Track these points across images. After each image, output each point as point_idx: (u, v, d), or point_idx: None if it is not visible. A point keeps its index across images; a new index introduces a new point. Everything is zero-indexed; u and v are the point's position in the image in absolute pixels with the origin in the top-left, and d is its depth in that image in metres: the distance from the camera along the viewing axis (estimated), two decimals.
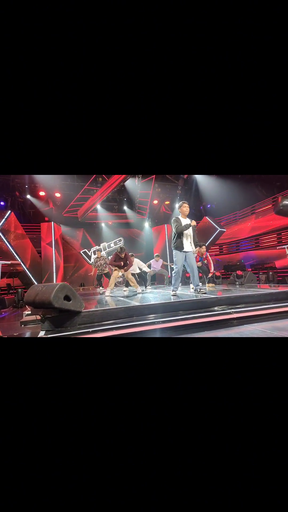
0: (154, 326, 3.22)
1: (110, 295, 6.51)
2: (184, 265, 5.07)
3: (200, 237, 12.00)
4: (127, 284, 7.44)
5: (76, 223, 14.10)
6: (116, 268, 6.38)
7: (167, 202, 15.81)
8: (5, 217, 10.09)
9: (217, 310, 3.71)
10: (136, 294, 6.16)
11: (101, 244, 14.46)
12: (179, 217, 5.00)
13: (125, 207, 15.06)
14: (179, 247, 4.89)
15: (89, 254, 14.27)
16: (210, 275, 7.38)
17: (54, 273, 11.33)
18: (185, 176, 14.73)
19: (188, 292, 5.55)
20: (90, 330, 3.03)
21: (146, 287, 8.29)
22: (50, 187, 13.11)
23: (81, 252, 14.14)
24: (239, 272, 7.92)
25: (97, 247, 14.32)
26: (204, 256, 7.26)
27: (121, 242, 14.34)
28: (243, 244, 12.81)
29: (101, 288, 9.09)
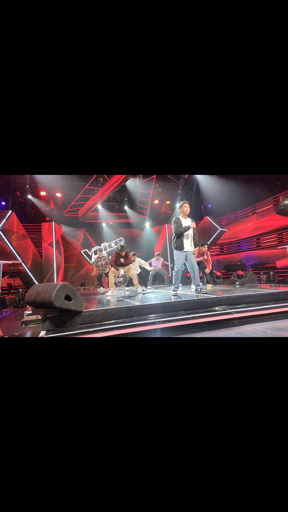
0: (154, 326, 3.22)
1: (112, 295, 6.51)
2: (185, 265, 5.07)
3: (201, 237, 11.96)
4: (128, 284, 7.45)
5: (77, 223, 14.11)
6: (116, 266, 6.39)
7: (168, 202, 15.79)
8: (6, 217, 10.12)
9: (218, 310, 3.71)
10: (136, 294, 6.16)
11: (102, 244, 14.47)
12: (180, 217, 5.00)
13: (126, 207, 15.06)
14: (180, 247, 4.89)
15: (90, 254, 14.28)
16: (207, 271, 7.33)
17: (55, 273, 11.35)
18: (186, 176, 14.73)
19: (189, 292, 5.54)
20: (91, 329, 3.04)
21: (146, 286, 8.30)
22: (51, 187, 13.12)
23: (81, 252, 14.15)
24: (240, 272, 7.91)
25: (98, 247, 14.33)
26: (205, 255, 7.25)
27: (122, 242, 14.35)
28: (244, 244, 12.79)
29: (101, 288, 9.09)
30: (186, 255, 4.95)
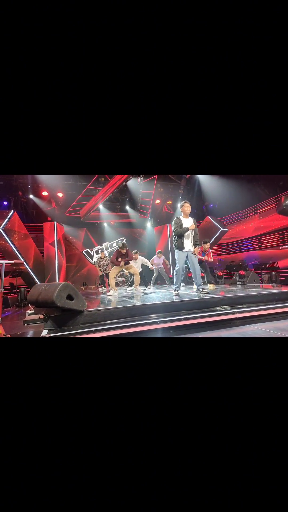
0: (156, 326, 3.22)
1: (113, 294, 6.51)
2: (187, 265, 5.07)
3: (203, 237, 11.89)
4: (131, 284, 7.46)
5: (78, 223, 14.14)
6: (117, 262, 6.37)
7: (169, 202, 15.78)
8: (8, 217, 10.15)
9: (219, 310, 3.71)
10: (137, 294, 6.16)
11: (103, 244, 14.49)
12: (181, 217, 5.00)
13: (127, 207, 15.07)
14: (180, 247, 4.90)
15: (91, 254, 14.29)
16: (207, 259, 7.21)
17: (57, 273, 11.36)
18: (188, 175, 14.71)
19: (190, 292, 5.54)
20: (93, 329, 3.04)
21: (146, 286, 8.31)
22: (52, 187, 13.14)
23: (83, 251, 14.17)
24: (241, 272, 7.91)
25: (100, 247, 14.35)
26: (207, 252, 7.21)
27: (123, 241, 14.36)
28: (245, 244, 12.77)
29: (103, 287, 9.11)
30: (187, 255, 4.95)
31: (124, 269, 6.69)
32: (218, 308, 3.81)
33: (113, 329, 3.07)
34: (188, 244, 4.94)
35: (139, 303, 4.09)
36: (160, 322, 3.29)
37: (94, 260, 13.87)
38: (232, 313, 3.61)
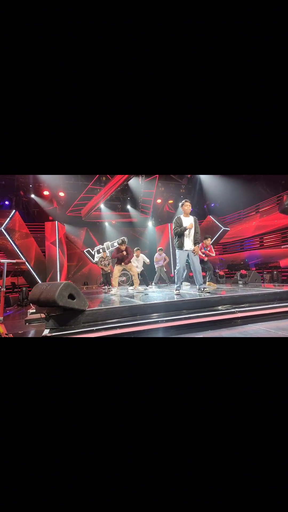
0: (157, 325, 3.22)
1: (115, 293, 6.50)
2: (189, 264, 5.07)
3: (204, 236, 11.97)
4: (132, 283, 7.45)
5: (79, 222, 14.15)
6: (116, 256, 6.31)
7: (170, 201, 15.78)
8: (10, 216, 10.15)
9: (221, 310, 3.71)
10: (139, 293, 6.16)
11: (105, 243, 14.50)
12: (181, 216, 4.99)
13: (128, 206, 15.07)
14: (180, 246, 4.91)
15: (93, 253, 14.31)
16: (209, 254, 7.17)
17: (58, 272, 11.37)
18: (189, 175, 14.70)
19: (191, 291, 5.54)
20: (94, 328, 3.05)
21: (147, 285, 8.31)
22: (54, 186, 13.16)
23: (84, 251, 14.19)
24: (243, 272, 7.90)
25: (101, 246, 14.36)
26: (208, 249, 7.17)
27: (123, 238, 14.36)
28: (247, 243, 12.75)
29: (107, 286, 9.14)
30: (188, 254, 4.95)
31: (126, 269, 6.66)
32: (220, 307, 3.81)
33: (114, 328, 3.08)
34: (189, 243, 4.93)
35: (141, 302, 4.09)
36: (161, 322, 3.29)
37: (96, 259, 13.88)
38: (233, 312, 3.60)
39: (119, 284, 7.97)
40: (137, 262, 8.02)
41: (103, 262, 9.20)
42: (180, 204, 5.26)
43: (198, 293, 4.91)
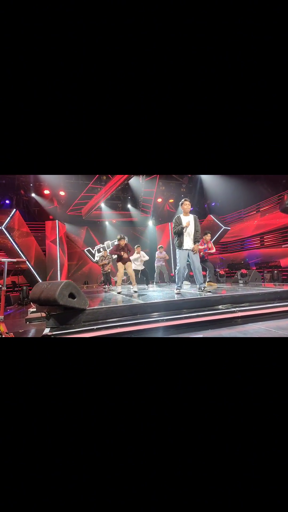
0: (157, 324, 3.23)
1: (117, 292, 6.48)
2: (189, 263, 5.07)
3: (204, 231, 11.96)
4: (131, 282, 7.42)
5: (80, 221, 14.15)
6: (115, 253, 6.23)
7: (171, 200, 15.76)
8: (10, 215, 10.16)
9: (221, 309, 3.71)
10: (138, 292, 6.15)
11: (105, 242, 14.50)
12: (181, 215, 4.99)
13: (129, 205, 15.07)
14: (180, 245, 4.91)
15: (93, 252, 14.31)
16: (209, 250, 7.11)
17: (59, 271, 11.38)
18: (189, 174, 14.70)
19: (192, 291, 5.54)
20: (95, 327, 3.06)
21: (148, 284, 8.31)
22: (54, 185, 13.16)
23: (84, 250, 14.19)
24: (243, 271, 7.90)
25: (101, 245, 14.37)
26: (210, 246, 7.12)
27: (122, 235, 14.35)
28: (247, 243, 12.74)
29: (108, 286, 9.14)
30: (188, 253, 4.94)
31: (124, 268, 6.59)
32: (220, 306, 3.82)
33: (114, 327, 3.08)
34: (189, 242, 4.92)
35: (141, 301, 4.09)
36: (162, 321, 3.30)
37: (96, 258, 13.89)
38: (234, 311, 3.61)
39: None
40: (138, 260, 7.99)
41: (103, 262, 9.21)
42: (180, 203, 5.25)
43: (198, 292, 4.92)
